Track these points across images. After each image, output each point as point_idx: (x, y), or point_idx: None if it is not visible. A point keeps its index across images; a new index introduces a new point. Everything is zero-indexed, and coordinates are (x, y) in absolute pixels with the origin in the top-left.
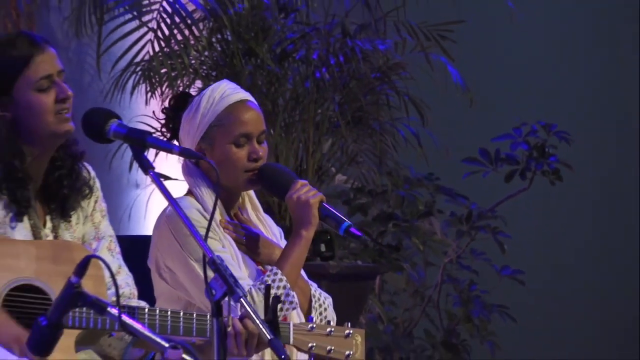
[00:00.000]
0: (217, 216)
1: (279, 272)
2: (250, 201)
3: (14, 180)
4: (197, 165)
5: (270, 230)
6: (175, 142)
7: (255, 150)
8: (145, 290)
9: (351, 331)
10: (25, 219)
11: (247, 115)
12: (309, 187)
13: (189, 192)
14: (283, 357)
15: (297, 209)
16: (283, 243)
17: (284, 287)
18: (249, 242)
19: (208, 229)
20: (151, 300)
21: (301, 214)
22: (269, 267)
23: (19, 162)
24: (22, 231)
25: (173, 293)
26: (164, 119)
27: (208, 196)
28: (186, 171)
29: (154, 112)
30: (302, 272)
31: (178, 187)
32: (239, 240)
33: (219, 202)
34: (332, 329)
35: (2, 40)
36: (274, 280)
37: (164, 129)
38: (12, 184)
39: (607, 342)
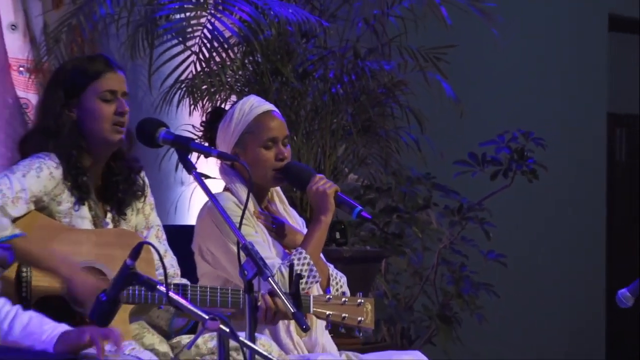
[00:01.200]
0: (251, 208)
1: (303, 251)
2: (278, 196)
3: (74, 167)
4: (232, 167)
5: (295, 220)
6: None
7: (281, 151)
8: (188, 270)
9: (362, 300)
10: (87, 210)
11: (272, 123)
12: (326, 179)
13: (226, 189)
14: (304, 327)
15: (316, 198)
16: (304, 231)
17: (308, 264)
18: (277, 229)
19: (242, 219)
20: (192, 278)
21: (320, 202)
22: (297, 251)
23: (77, 153)
24: (85, 221)
25: (214, 272)
26: (202, 130)
27: (242, 191)
28: (223, 171)
29: (193, 125)
30: (322, 255)
31: (215, 185)
32: (268, 228)
33: (251, 196)
34: (346, 300)
35: (85, 57)
36: (299, 259)
37: (202, 139)
38: (74, 170)
39: (575, 313)
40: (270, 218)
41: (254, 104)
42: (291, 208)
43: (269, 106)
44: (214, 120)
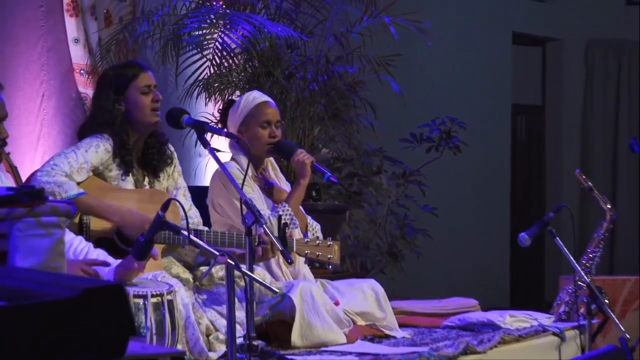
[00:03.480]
0: (250, 173)
1: (287, 205)
2: (272, 165)
3: (124, 148)
4: (237, 142)
5: (283, 183)
6: (225, 129)
7: (273, 131)
8: (205, 218)
9: (331, 242)
10: (130, 177)
11: (268, 110)
12: (305, 153)
13: (232, 159)
14: (289, 261)
15: (297, 166)
16: (289, 190)
17: (290, 214)
18: (269, 189)
19: (243, 181)
20: (207, 225)
21: (300, 169)
22: (281, 205)
23: (127, 137)
24: (129, 184)
25: (222, 220)
26: (220, 115)
27: (244, 161)
28: (231, 145)
29: (212, 113)
30: (301, 208)
31: (223, 156)
32: (262, 188)
33: (250, 164)
34: (320, 242)
35: (123, 63)
36: (283, 211)
37: (219, 122)
38: (123, 151)
39: (487, 251)
40: (263, 181)
41: (256, 96)
42: (281, 174)
43: (267, 98)
44: (226, 109)
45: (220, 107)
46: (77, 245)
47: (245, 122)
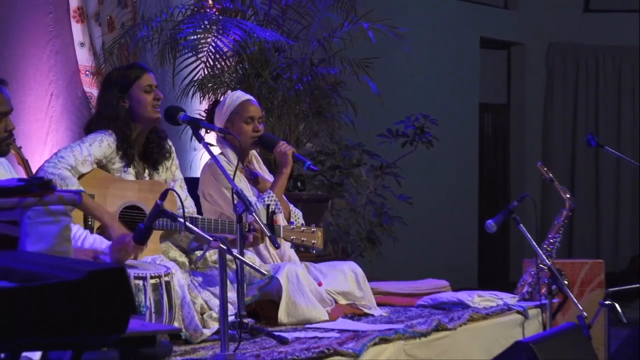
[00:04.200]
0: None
1: (271, 192)
2: (255, 157)
3: (126, 142)
4: (224, 138)
5: (266, 174)
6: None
7: (256, 126)
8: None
9: (315, 228)
10: (132, 169)
11: (251, 107)
12: (286, 144)
13: (220, 153)
14: (276, 245)
15: (280, 157)
16: (272, 180)
17: (274, 200)
18: (254, 179)
19: (235, 172)
20: (200, 214)
21: (282, 159)
22: (267, 192)
23: (129, 132)
24: (130, 175)
25: (212, 208)
26: (206, 114)
27: (231, 154)
28: (218, 141)
29: (205, 110)
30: (284, 197)
31: (215, 150)
32: (248, 178)
33: (235, 156)
34: (304, 228)
35: (127, 65)
36: (268, 197)
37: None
38: (125, 144)
39: (456, 237)
40: (249, 172)
41: (239, 95)
42: (264, 166)
43: (249, 96)
44: (212, 108)
45: (207, 107)
46: (76, 232)
47: (230, 118)
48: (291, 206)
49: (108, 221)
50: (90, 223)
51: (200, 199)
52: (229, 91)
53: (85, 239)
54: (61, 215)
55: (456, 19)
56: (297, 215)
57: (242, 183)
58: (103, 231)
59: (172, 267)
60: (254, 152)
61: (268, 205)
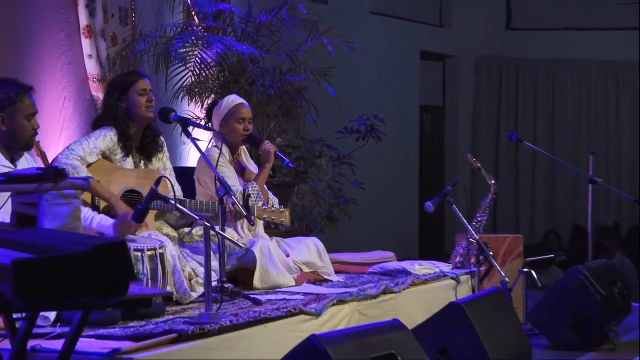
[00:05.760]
0: (228, 157)
1: (254, 183)
2: (244, 152)
3: (125, 136)
4: (219, 134)
5: (253, 166)
6: (209, 124)
7: (247, 126)
8: (189, 191)
9: (284, 209)
10: (131, 159)
11: (243, 110)
12: (270, 143)
13: (215, 146)
14: (252, 223)
15: (264, 154)
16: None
17: (257, 191)
18: (241, 171)
19: (217, 162)
20: (192, 196)
21: (266, 156)
22: (250, 183)
23: (127, 128)
24: (129, 164)
25: (205, 192)
26: (206, 112)
27: (224, 148)
28: (215, 135)
29: (194, 112)
30: (265, 187)
31: (202, 144)
32: (236, 169)
33: (227, 149)
34: (275, 208)
35: (127, 72)
36: (252, 188)
37: (206, 119)
38: (125, 138)
39: (400, 216)
40: (238, 164)
41: (235, 99)
42: (251, 160)
43: (242, 100)
44: (212, 107)
45: (205, 107)
46: (86, 213)
47: (225, 118)
48: (270, 194)
49: (114, 201)
50: (97, 204)
51: (196, 184)
52: (212, 95)
53: (93, 219)
54: (73, 199)
55: (401, 35)
56: (274, 201)
57: (231, 173)
58: (109, 211)
59: (165, 241)
60: (243, 148)
61: (245, 191)
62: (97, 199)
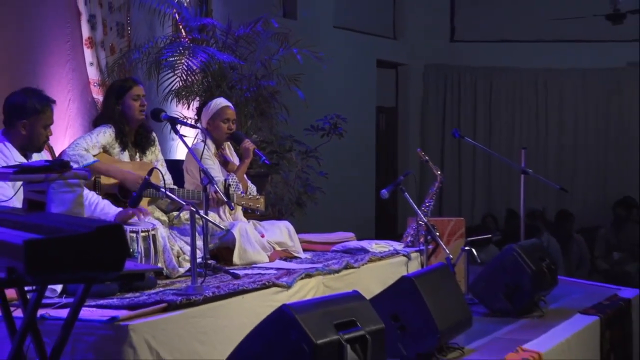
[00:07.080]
0: (213, 151)
1: (234, 175)
2: (228, 147)
3: (122, 133)
4: (206, 129)
5: (235, 159)
6: (198, 123)
7: (231, 126)
8: (178, 180)
9: (259, 196)
10: (127, 153)
11: (228, 111)
12: (250, 141)
13: (202, 140)
14: (232, 208)
15: (244, 150)
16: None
17: (236, 182)
18: (224, 163)
19: (202, 155)
20: (181, 184)
21: (246, 152)
22: (231, 174)
23: (123, 127)
24: (125, 157)
25: (192, 180)
26: (196, 111)
27: (210, 143)
28: (202, 131)
29: (181, 112)
30: (245, 176)
31: (189, 140)
32: (220, 161)
33: (212, 143)
34: (251, 196)
35: (124, 78)
36: (232, 179)
37: (196, 118)
38: (121, 135)
39: (359, 203)
40: (222, 157)
41: (222, 101)
42: (234, 153)
43: (228, 102)
44: (201, 107)
45: (192, 108)
46: (91, 198)
47: (213, 117)
48: (249, 183)
49: (121, 175)
50: (97, 185)
51: (184, 173)
52: (197, 98)
53: (97, 205)
54: (76, 187)
55: (359, 46)
56: (252, 189)
57: (215, 165)
58: (110, 194)
59: (157, 224)
60: (228, 143)
61: (226, 181)
62: (97, 185)
